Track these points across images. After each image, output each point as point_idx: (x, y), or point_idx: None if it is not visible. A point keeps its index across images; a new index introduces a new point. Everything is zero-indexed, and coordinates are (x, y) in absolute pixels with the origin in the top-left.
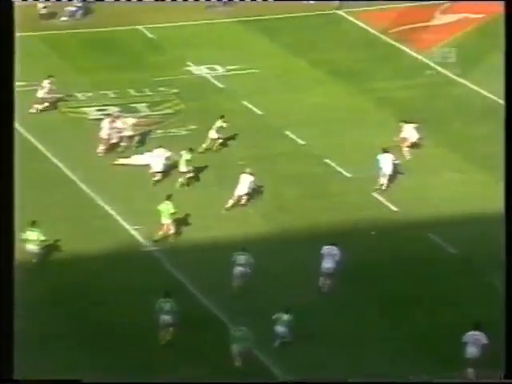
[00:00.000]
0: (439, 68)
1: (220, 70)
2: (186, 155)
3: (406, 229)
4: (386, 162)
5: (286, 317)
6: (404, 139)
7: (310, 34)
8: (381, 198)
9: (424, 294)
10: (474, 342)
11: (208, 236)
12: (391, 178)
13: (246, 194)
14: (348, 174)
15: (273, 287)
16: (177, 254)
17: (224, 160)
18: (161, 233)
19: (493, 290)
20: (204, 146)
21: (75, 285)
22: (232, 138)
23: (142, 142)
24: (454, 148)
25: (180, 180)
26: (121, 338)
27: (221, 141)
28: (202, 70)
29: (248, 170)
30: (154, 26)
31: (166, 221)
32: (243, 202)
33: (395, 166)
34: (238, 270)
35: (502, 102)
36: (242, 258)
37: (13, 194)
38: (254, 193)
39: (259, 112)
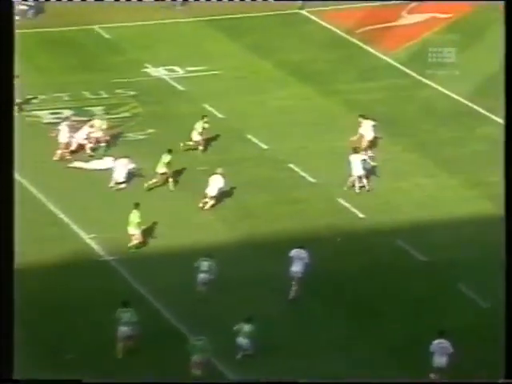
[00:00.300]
0: (406, 69)
1: (179, 71)
2: (165, 157)
3: (373, 235)
4: (356, 163)
5: (247, 327)
6: (361, 136)
7: (273, 35)
8: (347, 204)
9: (392, 302)
10: (441, 350)
11: (169, 244)
12: (362, 180)
13: (214, 197)
14: (313, 180)
15: (236, 296)
16: (136, 263)
17: (185, 165)
18: (134, 243)
19: (463, 298)
20: (185, 147)
21: (27, 295)
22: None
23: (102, 147)
24: (424, 152)
25: (152, 181)
26: (77, 349)
27: (202, 144)
28: (160, 72)
29: (220, 170)
30: (110, 25)
31: (134, 231)
32: (210, 204)
33: (366, 166)
34: (201, 276)
35: (470, 104)
36: (205, 265)
37: None
38: (219, 198)
39: (220, 115)
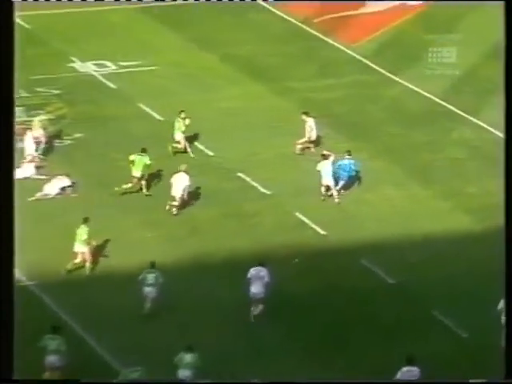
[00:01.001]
0: (371, 64)
1: (111, 66)
2: (142, 158)
3: (335, 255)
4: (326, 170)
5: (188, 357)
6: (310, 136)
7: (221, 25)
8: (305, 219)
9: (357, 329)
10: (409, 378)
11: (109, 264)
12: (331, 190)
13: (181, 198)
14: (266, 191)
15: (182, 321)
16: (62, 287)
17: (120, 175)
18: (76, 261)
19: (438, 326)
20: (170, 149)
21: None
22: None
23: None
24: (392, 159)
25: (127, 185)
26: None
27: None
28: (89, 67)
29: (183, 166)
30: (31, 13)
31: (81, 248)
32: (177, 206)
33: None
34: (147, 290)
35: (445, 104)
36: (150, 277)
37: None
38: (187, 199)
39: (159, 117)
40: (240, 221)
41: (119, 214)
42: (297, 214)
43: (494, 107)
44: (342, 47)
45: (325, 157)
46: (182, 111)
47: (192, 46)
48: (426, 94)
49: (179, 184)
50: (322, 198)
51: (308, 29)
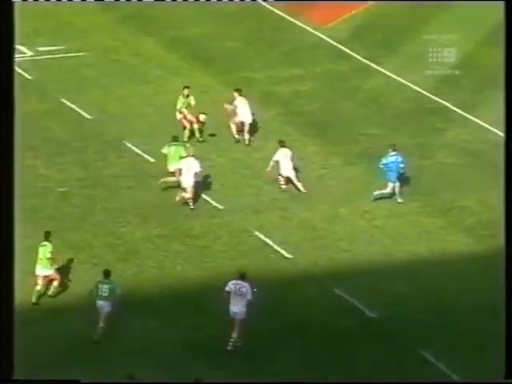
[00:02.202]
0: (346, 50)
1: (27, 53)
2: (178, 149)
3: (303, 283)
4: (284, 161)
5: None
6: (234, 114)
7: (164, 3)
8: (267, 240)
9: (333, 371)
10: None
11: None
12: (295, 182)
13: (192, 188)
14: (219, 205)
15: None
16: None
17: (40, 185)
18: (38, 288)
19: (428, 368)
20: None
21: None
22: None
23: None
24: (371, 166)
25: (168, 179)
26: None
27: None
28: None
29: (191, 150)
30: None
31: (44, 271)
32: (188, 197)
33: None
34: (99, 304)
35: (434, 97)
36: (105, 289)
37: None
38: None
39: (87, 115)
40: (186, 242)
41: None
42: (256, 233)
43: (494, 102)
44: (311, 29)
45: (282, 144)
46: (185, 87)
47: (127, 29)
48: (412, 86)
49: (189, 171)
50: (282, 187)
51: (270, 7)
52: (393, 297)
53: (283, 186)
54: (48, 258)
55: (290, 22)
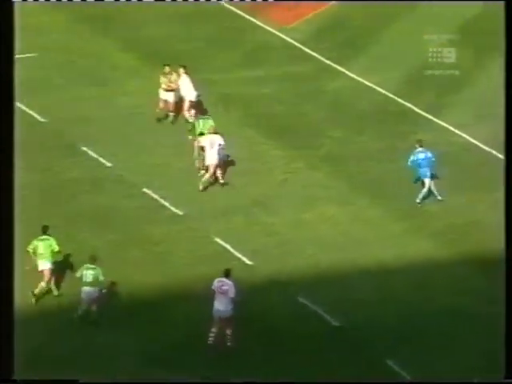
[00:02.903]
0: (309, 51)
1: None
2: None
3: (265, 290)
4: (214, 148)
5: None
6: (177, 90)
7: (119, 4)
8: (227, 246)
9: (295, 379)
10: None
11: None
12: (216, 172)
13: (218, 165)
14: (178, 211)
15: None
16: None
17: None
18: (44, 284)
19: (390, 376)
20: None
21: None
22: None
23: None
24: (335, 170)
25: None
26: None
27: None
28: None
29: (211, 128)
30: None
31: (46, 265)
32: (220, 174)
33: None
34: (85, 291)
35: (400, 100)
36: (90, 274)
37: None
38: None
39: (40, 118)
40: (145, 248)
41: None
42: (216, 239)
43: (460, 105)
44: (273, 30)
45: (215, 131)
46: (165, 65)
47: (82, 28)
48: (377, 88)
49: (213, 147)
50: (201, 181)
51: (230, 7)
52: (358, 304)
53: (202, 172)
54: (56, 252)
55: (251, 22)
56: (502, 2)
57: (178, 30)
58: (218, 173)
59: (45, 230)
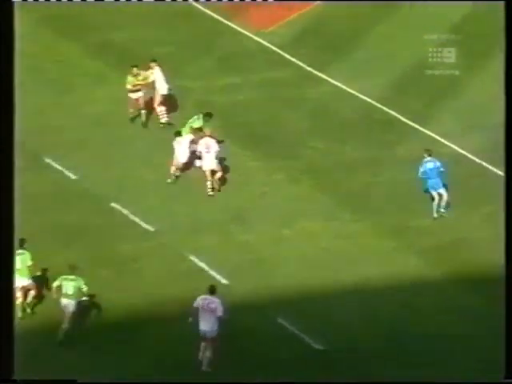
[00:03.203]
0: (288, 56)
1: None
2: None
3: (242, 311)
4: (182, 148)
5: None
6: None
7: (85, 5)
8: (202, 264)
9: None
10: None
11: None
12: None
13: (219, 169)
14: (149, 227)
15: None
16: None
17: None
18: (20, 300)
19: None
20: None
21: None
22: None
23: None
24: (316, 182)
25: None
26: None
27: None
28: None
29: (207, 131)
30: None
31: (23, 281)
32: (217, 180)
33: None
34: (64, 303)
35: (385, 109)
36: (70, 286)
37: None
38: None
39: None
40: (114, 267)
41: None
42: (191, 257)
43: (448, 113)
44: (250, 34)
45: (211, 134)
46: (133, 66)
47: (44, 31)
48: (361, 95)
49: (209, 151)
50: (171, 178)
51: (204, 9)
52: (341, 326)
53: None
54: (28, 267)
55: (227, 25)
56: (502, 2)
57: (150, 34)
58: (216, 180)
59: (21, 244)
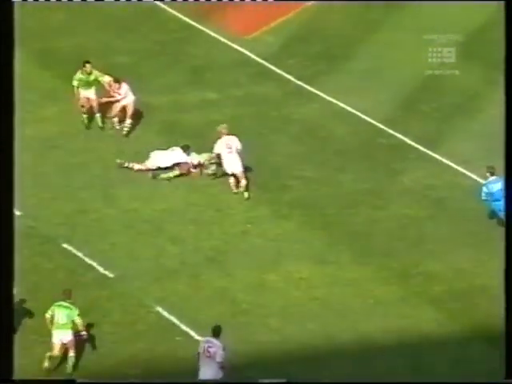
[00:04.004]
0: (274, 68)
1: None
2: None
3: (224, 372)
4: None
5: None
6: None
7: (38, 6)
8: (173, 318)
9: None
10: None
11: None
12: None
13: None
14: (108, 273)
15: None
16: None
17: None
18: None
19: None
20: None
21: None
22: None
23: None
24: (309, 218)
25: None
26: None
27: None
28: None
29: (222, 127)
30: None
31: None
32: (244, 183)
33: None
34: (56, 334)
35: (388, 130)
36: (62, 315)
37: None
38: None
39: None
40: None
41: None
42: (157, 308)
43: (465, 135)
44: (227, 41)
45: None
46: (86, 62)
47: None
48: (361, 115)
49: (232, 151)
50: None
51: (173, 11)
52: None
53: (235, 190)
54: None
55: (201, 30)
56: (502, 2)
57: (107, 41)
58: (243, 182)
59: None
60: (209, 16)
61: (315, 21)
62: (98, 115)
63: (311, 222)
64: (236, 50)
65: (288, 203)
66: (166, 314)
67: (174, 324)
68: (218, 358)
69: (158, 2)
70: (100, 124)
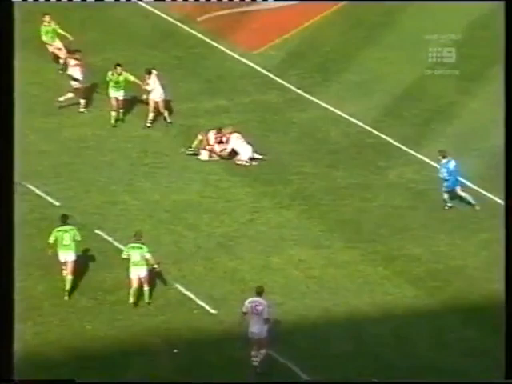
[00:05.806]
0: (276, 79)
1: None
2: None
3: (229, 341)
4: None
5: None
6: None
7: (70, 23)
8: (190, 294)
9: None
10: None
11: None
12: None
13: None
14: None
15: None
16: None
17: None
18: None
19: None
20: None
21: None
22: None
23: None
24: (307, 209)
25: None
26: None
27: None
28: None
29: (229, 129)
30: None
31: (72, 256)
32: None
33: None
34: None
35: (376, 132)
36: (137, 254)
37: None
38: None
39: None
40: (96, 297)
41: None
42: (177, 285)
43: (441, 136)
44: (237, 56)
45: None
46: (117, 64)
47: (26, 51)
48: (351, 119)
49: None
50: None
51: (189, 29)
52: (332, 358)
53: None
54: (79, 241)
55: (213, 46)
56: (502, 2)
57: (132, 56)
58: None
59: (64, 220)
60: (221, 34)
61: (313, 38)
62: (113, 113)
63: (309, 212)
64: (244, 63)
65: (289, 195)
66: (183, 290)
67: (190, 299)
68: (265, 315)
69: (177, 22)
70: (113, 122)
